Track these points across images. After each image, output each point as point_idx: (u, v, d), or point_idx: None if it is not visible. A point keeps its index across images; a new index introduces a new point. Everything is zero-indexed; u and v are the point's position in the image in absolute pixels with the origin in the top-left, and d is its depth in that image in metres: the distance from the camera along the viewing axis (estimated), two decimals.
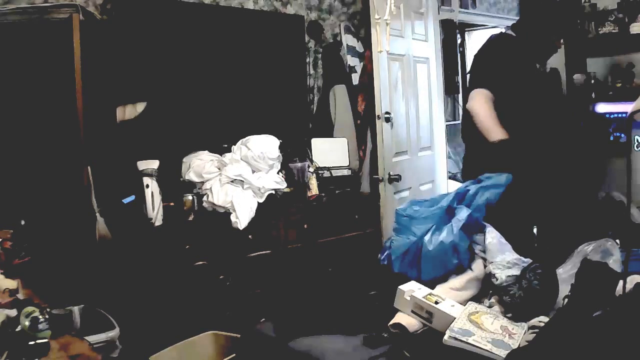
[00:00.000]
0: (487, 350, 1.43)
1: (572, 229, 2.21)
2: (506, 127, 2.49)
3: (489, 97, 2.56)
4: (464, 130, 2.88)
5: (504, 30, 2.95)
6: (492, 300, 1.73)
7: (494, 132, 2.48)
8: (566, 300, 1.51)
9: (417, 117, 3.74)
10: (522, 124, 2.56)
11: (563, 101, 3.54)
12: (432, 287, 1.76)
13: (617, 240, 1.85)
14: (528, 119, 2.59)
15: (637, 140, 3.52)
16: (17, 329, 1.60)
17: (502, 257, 1.79)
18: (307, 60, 3.78)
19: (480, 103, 2.55)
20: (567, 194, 2.79)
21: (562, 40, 2.85)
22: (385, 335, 1.60)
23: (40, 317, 1.62)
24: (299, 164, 3.14)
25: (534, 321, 1.56)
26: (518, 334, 1.52)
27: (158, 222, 2.70)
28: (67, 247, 2.43)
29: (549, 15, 2.73)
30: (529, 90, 2.64)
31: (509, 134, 2.49)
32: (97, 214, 2.54)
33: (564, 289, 1.59)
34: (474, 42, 5.33)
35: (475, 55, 2.86)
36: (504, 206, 2.01)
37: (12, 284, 1.83)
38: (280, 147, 3.05)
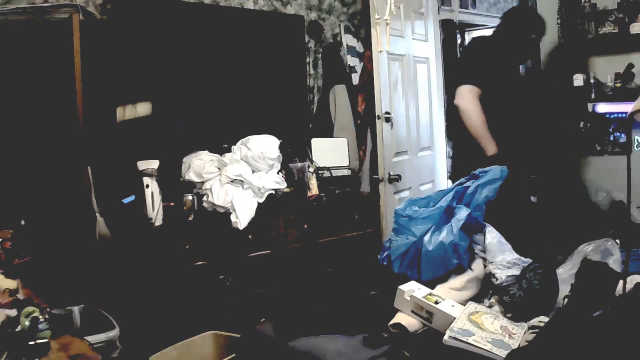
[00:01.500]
0: (487, 350, 1.43)
1: (572, 229, 2.22)
2: (491, 120, 2.59)
3: (477, 94, 2.62)
4: (452, 129, 2.94)
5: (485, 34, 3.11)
6: (492, 300, 1.73)
7: (488, 146, 2.58)
8: (566, 300, 1.51)
9: (417, 117, 3.74)
10: (505, 117, 2.64)
11: (540, 101, 3.62)
12: (432, 287, 1.76)
13: (617, 240, 1.85)
14: (510, 112, 2.68)
15: (637, 140, 3.52)
16: (17, 329, 1.60)
17: (502, 257, 1.79)
18: (307, 60, 3.78)
19: (470, 101, 2.62)
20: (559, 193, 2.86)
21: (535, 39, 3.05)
22: (385, 335, 1.60)
23: (40, 317, 1.62)
24: (299, 164, 3.14)
25: (534, 321, 1.56)
26: (518, 334, 1.52)
27: (158, 222, 2.70)
28: (67, 247, 2.43)
29: (522, 17, 2.89)
30: (511, 86, 2.74)
31: (495, 132, 2.58)
32: (97, 214, 2.54)
33: (564, 289, 1.59)
34: None
35: (461, 54, 2.94)
36: (503, 203, 2.02)
37: (12, 284, 1.83)
38: (280, 147, 3.05)
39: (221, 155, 3.03)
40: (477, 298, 1.78)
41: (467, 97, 2.64)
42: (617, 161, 3.69)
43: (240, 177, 2.86)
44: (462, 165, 2.66)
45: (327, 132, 3.69)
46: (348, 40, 3.92)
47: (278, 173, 3.05)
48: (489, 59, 2.78)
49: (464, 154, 2.84)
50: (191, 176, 2.90)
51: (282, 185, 3.02)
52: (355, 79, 3.83)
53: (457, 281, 1.79)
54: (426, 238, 1.86)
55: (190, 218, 2.78)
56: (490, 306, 1.71)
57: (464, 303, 1.70)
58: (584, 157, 3.89)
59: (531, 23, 2.95)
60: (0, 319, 1.62)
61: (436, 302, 1.64)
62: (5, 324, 1.61)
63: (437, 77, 4.05)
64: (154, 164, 2.74)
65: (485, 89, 2.68)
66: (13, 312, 1.65)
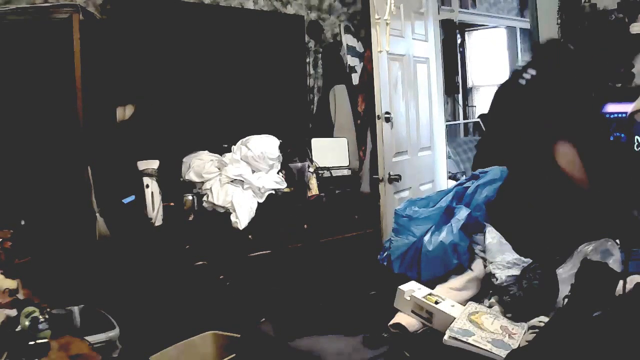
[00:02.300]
0: (487, 350, 1.43)
1: (572, 229, 2.20)
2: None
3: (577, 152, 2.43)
4: (490, 119, 2.68)
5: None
6: (492, 300, 1.73)
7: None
8: (566, 300, 1.51)
9: (417, 117, 3.74)
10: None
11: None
12: (432, 287, 1.76)
13: (617, 240, 1.85)
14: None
15: (637, 141, 3.51)
16: (17, 329, 1.60)
17: (502, 257, 1.79)
18: (307, 60, 3.78)
19: (578, 166, 2.39)
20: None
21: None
22: (385, 335, 1.60)
23: (40, 317, 1.62)
24: (299, 164, 3.15)
25: (534, 321, 1.56)
26: (518, 334, 1.52)
27: (158, 222, 2.70)
28: (67, 247, 2.43)
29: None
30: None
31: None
32: (97, 214, 2.55)
33: (564, 289, 1.59)
34: (474, 42, 5.33)
35: (554, 82, 2.57)
36: (507, 204, 2.00)
37: (12, 284, 1.83)
38: (280, 147, 3.05)
39: (221, 155, 3.03)
40: (477, 298, 1.78)
41: (575, 162, 2.44)
42: None
43: (240, 177, 2.86)
44: (490, 158, 2.51)
45: (327, 132, 3.69)
46: (348, 40, 3.92)
47: (278, 173, 3.05)
48: (589, 106, 2.54)
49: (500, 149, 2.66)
50: (191, 176, 2.90)
51: (282, 185, 3.02)
52: (355, 79, 3.83)
53: (457, 281, 1.79)
54: (426, 238, 1.86)
55: (190, 218, 2.79)
56: (490, 306, 1.71)
57: (464, 303, 1.70)
58: None
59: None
60: (0, 319, 1.62)
61: (436, 302, 1.63)
62: (5, 324, 1.61)
63: (437, 77, 4.05)
64: (154, 164, 2.74)
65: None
66: (13, 312, 1.65)
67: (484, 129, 2.98)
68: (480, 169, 2.17)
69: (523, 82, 2.56)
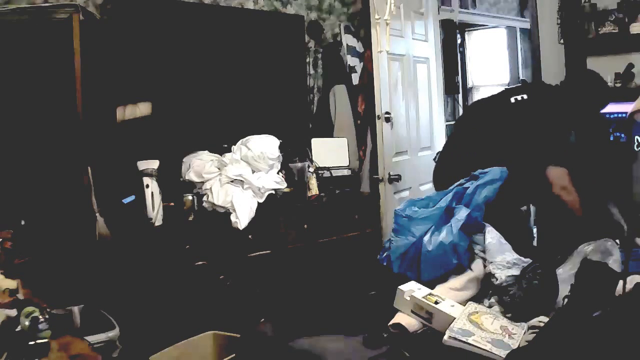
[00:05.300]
0: (487, 350, 1.43)
1: (572, 229, 2.20)
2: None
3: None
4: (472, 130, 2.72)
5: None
6: (492, 300, 1.73)
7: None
8: (566, 300, 1.51)
9: (417, 117, 3.74)
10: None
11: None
12: (432, 287, 1.76)
13: (617, 240, 1.85)
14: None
15: (637, 141, 3.51)
16: (17, 329, 1.60)
17: (502, 257, 1.79)
18: (307, 60, 3.78)
19: (573, 192, 2.40)
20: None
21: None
22: (385, 335, 1.60)
23: (40, 317, 1.62)
24: (299, 164, 3.15)
25: (534, 321, 1.56)
26: (518, 334, 1.52)
27: (158, 222, 2.70)
28: (67, 247, 2.43)
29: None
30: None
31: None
32: (97, 214, 2.54)
33: (564, 289, 1.59)
34: (474, 42, 5.33)
35: (545, 120, 2.57)
36: (505, 203, 2.00)
37: (12, 284, 1.83)
38: (280, 147, 3.05)
39: (221, 155, 3.03)
40: (477, 298, 1.78)
41: (570, 187, 2.45)
42: None
43: (240, 177, 2.86)
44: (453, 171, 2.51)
45: (327, 132, 3.69)
46: (348, 40, 3.92)
47: (278, 173, 3.05)
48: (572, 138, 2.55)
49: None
50: (191, 176, 2.90)
51: (282, 185, 3.02)
52: (355, 79, 3.83)
53: (457, 281, 1.79)
54: (426, 238, 1.86)
55: (190, 218, 2.78)
56: (490, 306, 1.71)
57: (464, 303, 1.70)
58: None
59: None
60: (0, 319, 1.62)
61: (436, 302, 1.64)
62: (5, 324, 1.61)
63: (437, 77, 4.05)
64: (154, 164, 2.74)
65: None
66: (13, 312, 1.65)
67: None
68: (448, 181, 2.16)
69: (512, 100, 2.57)
